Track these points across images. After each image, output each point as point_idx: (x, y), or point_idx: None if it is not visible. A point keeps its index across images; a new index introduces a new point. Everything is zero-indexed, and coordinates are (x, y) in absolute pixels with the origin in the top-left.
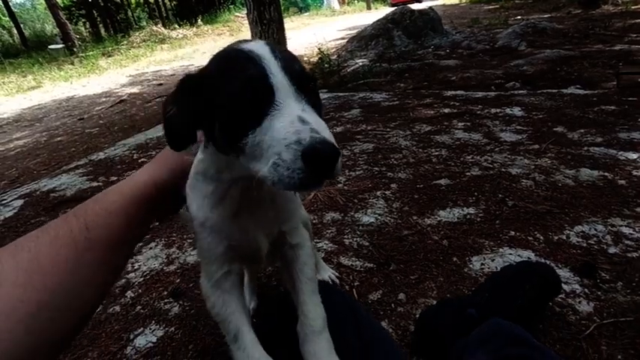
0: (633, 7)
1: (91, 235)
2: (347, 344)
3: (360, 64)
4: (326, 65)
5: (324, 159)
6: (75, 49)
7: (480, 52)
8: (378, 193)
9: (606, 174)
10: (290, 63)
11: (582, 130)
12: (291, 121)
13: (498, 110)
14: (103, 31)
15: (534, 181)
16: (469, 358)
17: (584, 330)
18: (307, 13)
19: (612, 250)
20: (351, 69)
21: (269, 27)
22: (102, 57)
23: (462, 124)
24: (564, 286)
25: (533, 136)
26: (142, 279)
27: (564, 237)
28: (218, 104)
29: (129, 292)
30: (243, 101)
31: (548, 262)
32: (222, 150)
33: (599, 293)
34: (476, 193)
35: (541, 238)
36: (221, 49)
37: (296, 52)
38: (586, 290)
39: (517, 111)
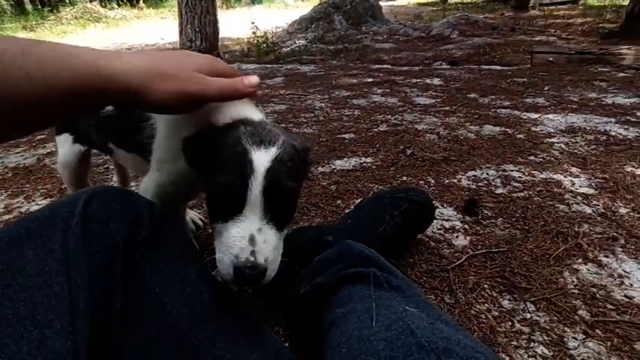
0: (555, 13)
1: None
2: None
3: (298, 44)
4: (263, 45)
5: (247, 281)
6: None
7: (416, 39)
8: None
9: (507, 130)
10: (276, 182)
11: (493, 96)
12: (243, 236)
13: (419, 80)
14: (28, 4)
15: (438, 135)
16: (305, 284)
17: (455, 261)
18: (260, 5)
19: (499, 190)
20: (288, 49)
21: None
22: (22, 31)
23: (381, 90)
24: (445, 223)
25: (447, 100)
26: None
27: (455, 180)
28: (210, 183)
29: None
30: (221, 198)
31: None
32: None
33: (478, 228)
34: (377, 145)
35: (432, 181)
36: (231, 135)
37: (236, 35)
38: (466, 226)
39: (436, 81)
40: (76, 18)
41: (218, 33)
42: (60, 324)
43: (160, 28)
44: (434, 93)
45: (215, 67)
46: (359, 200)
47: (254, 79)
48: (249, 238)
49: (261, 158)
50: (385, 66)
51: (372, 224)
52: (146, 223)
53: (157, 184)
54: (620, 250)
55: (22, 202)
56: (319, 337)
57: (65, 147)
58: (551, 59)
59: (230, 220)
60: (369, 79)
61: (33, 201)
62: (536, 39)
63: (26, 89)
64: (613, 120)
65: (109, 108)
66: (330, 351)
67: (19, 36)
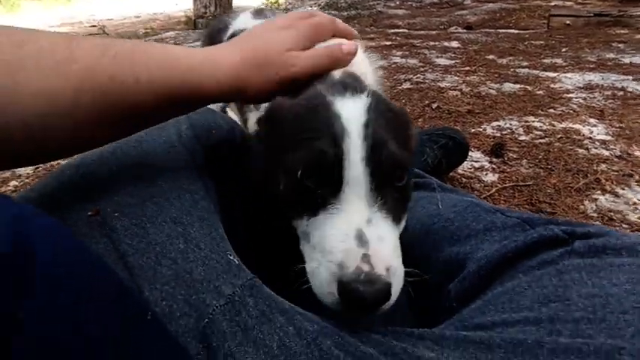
0: None
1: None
2: None
3: (310, 10)
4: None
5: (361, 304)
6: None
7: (428, 5)
8: None
9: (527, 87)
10: (381, 145)
11: (511, 57)
12: (347, 234)
13: (436, 43)
14: None
15: (461, 91)
16: None
17: (486, 192)
18: None
19: (522, 137)
20: None
21: None
22: None
23: (401, 52)
24: (474, 164)
25: (466, 61)
26: (31, 171)
27: (481, 129)
28: (281, 165)
29: (13, 181)
30: (304, 181)
31: None
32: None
33: (504, 167)
34: (403, 100)
35: (460, 129)
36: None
37: (247, 3)
38: (493, 166)
39: (454, 44)
40: None
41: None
42: (200, 194)
43: None
44: (453, 55)
45: (314, 34)
46: None
47: (353, 45)
48: (357, 236)
49: (353, 109)
50: (401, 30)
51: (416, 156)
52: (238, 133)
53: None
54: (635, 184)
55: None
56: None
57: None
58: (568, 22)
59: (321, 212)
60: (387, 42)
61: None
62: (552, 4)
63: (133, 91)
64: (630, 77)
65: None
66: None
67: (23, 3)
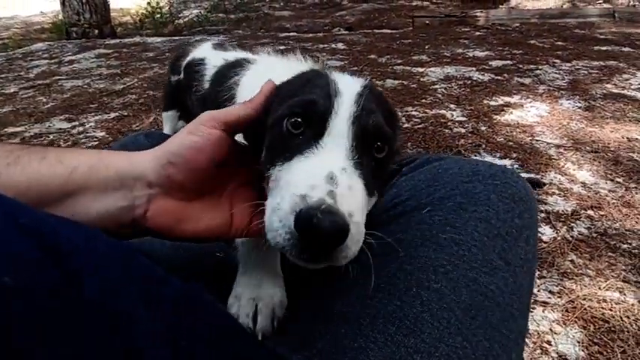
0: None
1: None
2: None
3: (196, 13)
4: (157, 15)
5: (318, 234)
6: None
7: (311, 6)
8: None
9: (403, 82)
10: (369, 113)
11: (388, 56)
12: (318, 173)
13: (325, 45)
14: None
15: None
16: None
17: None
18: None
19: (405, 125)
20: (186, 19)
21: None
22: None
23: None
24: None
25: (353, 61)
26: None
27: None
28: (271, 119)
29: None
30: (286, 123)
31: None
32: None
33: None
34: None
35: None
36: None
37: (120, 6)
38: None
39: (340, 45)
40: None
41: (109, 4)
42: None
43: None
44: (341, 56)
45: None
46: None
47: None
48: (328, 176)
49: (349, 84)
50: (292, 34)
51: None
52: None
53: None
54: (483, 150)
55: None
56: None
57: (171, 123)
58: (427, 22)
59: (298, 155)
60: (282, 47)
61: None
62: (414, 4)
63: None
64: (474, 69)
65: (206, 86)
66: None
67: None
